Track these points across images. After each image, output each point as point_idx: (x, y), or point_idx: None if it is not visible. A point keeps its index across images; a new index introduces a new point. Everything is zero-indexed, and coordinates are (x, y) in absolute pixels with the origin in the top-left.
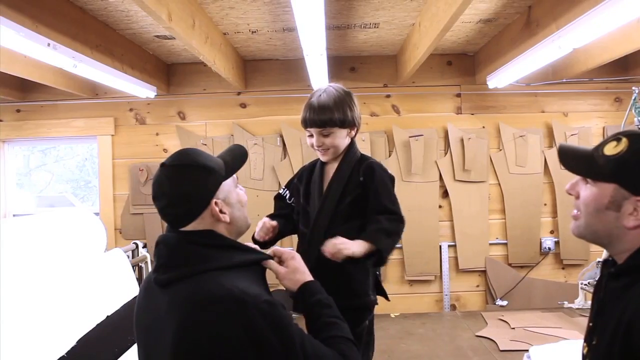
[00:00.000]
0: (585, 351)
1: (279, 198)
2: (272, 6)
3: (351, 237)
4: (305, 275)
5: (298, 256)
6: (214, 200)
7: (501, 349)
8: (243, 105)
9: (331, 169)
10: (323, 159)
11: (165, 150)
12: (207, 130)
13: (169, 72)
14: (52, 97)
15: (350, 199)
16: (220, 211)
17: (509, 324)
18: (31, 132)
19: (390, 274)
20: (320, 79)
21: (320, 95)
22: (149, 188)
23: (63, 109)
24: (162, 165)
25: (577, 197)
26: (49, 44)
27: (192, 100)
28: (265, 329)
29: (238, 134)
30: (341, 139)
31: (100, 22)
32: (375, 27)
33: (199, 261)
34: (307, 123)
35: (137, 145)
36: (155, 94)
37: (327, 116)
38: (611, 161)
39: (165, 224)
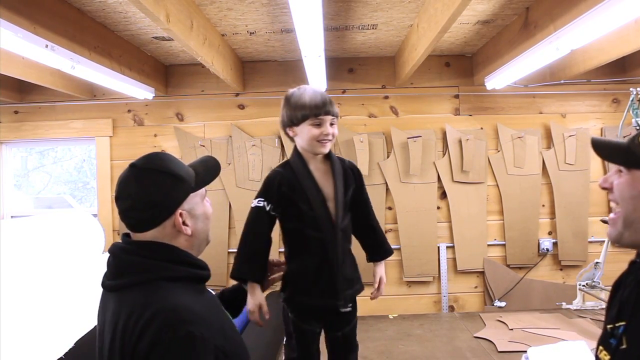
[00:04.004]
0: (602, 355)
1: (257, 210)
2: (270, 7)
3: (349, 230)
4: None
5: None
6: (179, 210)
7: (499, 350)
8: (241, 107)
9: (316, 169)
10: (324, 150)
11: (163, 152)
12: (205, 131)
13: (167, 73)
14: (50, 99)
15: (350, 192)
16: (184, 223)
17: (507, 325)
18: (29, 134)
19: (388, 275)
20: (318, 80)
21: (316, 90)
22: None
23: (61, 111)
24: (132, 165)
25: (611, 189)
26: (47, 45)
27: (190, 102)
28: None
29: (236, 135)
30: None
31: (98, 24)
32: (373, 28)
33: (144, 270)
34: (323, 111)
35: (135, 146)
36: (153, 95)
37: (335, 107)
38: None
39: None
